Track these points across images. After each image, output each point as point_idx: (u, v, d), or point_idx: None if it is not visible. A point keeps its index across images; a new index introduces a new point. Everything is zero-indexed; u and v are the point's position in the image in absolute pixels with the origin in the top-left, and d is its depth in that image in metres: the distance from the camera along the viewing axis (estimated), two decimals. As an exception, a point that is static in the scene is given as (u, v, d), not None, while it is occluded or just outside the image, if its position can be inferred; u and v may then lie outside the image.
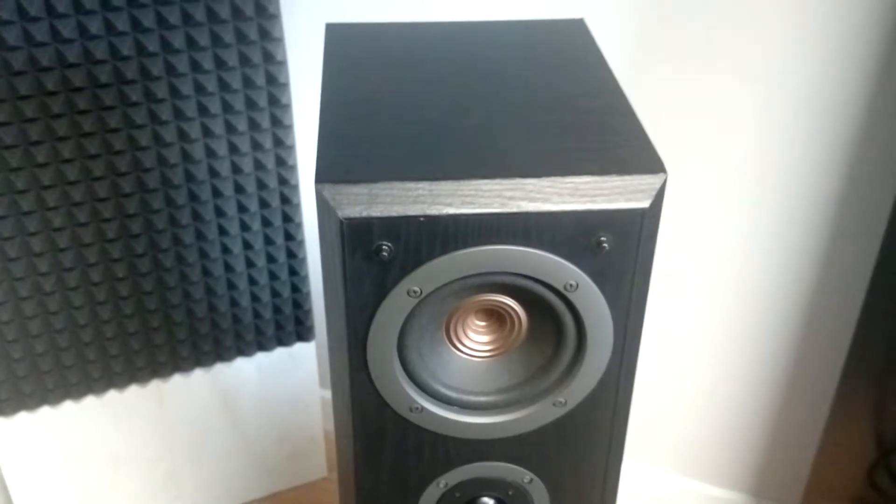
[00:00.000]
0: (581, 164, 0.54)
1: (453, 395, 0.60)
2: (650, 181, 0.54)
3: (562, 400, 0.61)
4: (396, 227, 0.52)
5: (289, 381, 1.36)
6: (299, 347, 1.33)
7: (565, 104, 0.63)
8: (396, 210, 0.52)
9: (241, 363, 1.30)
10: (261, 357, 1.31)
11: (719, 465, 1.36)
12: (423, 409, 0.60)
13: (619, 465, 0.66)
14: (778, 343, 1.20)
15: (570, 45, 0.72)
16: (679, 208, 1.15)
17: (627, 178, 0.54)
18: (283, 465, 1.44)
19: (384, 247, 0.52)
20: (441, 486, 0.64)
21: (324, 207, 0.52)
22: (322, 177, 0.52)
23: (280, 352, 1.31)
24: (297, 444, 1.44)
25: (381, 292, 0.54)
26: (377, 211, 0.51)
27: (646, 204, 0.54)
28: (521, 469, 0.64)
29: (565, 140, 0.58)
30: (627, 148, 0.57)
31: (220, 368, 1.29)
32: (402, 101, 0.63)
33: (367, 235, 0.52)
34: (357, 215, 0.51)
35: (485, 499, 0.65)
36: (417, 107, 0.62)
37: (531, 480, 0.65)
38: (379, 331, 0.56)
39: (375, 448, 0.62)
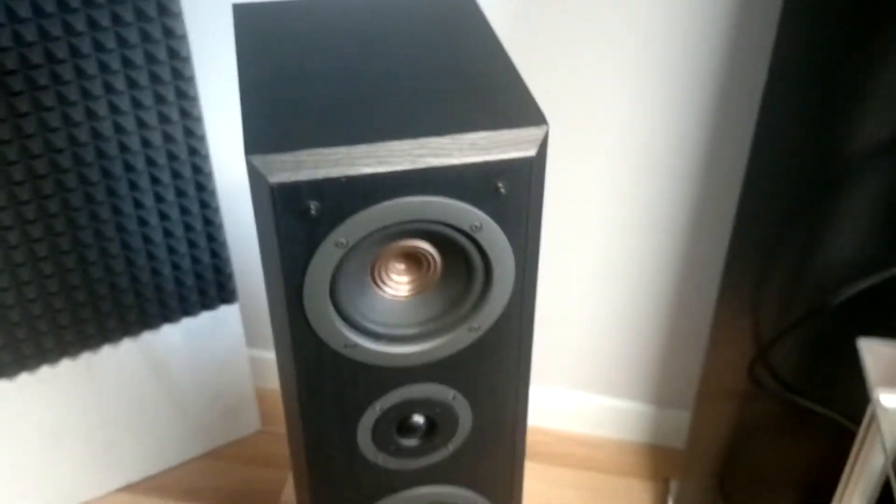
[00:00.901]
0: (476, 122, 0.63)
1: (381, 330, 0.69)
2: (535, 133, 0.63)
3: (475, 325, 0.70)
4: (321, 188, 0.60)
5: (216, 343, 1.42)
6: (224, 310, 1.39)
7: (459, 69, 0.71)
8: (320, 173, 0.59)
9: (167, 329, 1.35)
10: (187, 322, 1.36)
11: (619, 379, 1.51)
12: (356, 344, 0.68)
13: (527, 378, 0.77)
14: (662, 260, 1.34)
15: (461, 16, 0.80)
16: (573, 152, 1.25)
17: (516, 131, 0.63)
18: (218, 423, 1.51)
19: (312, 206, 0.60)
20: (377, 409, 0.73)
21: (255, 176, 0.59)
22: (251, 149, 0.60)
23: (205, 316, 1.37)
24: (229, 401, 1.50)
25: (312, 246, 0.62)
26: (303, 175, 0.59)
27: (532, 153, 0.63)
28: (446, 388, 0.74)
29: (462, 101, 0.66)
30: (514, 105, 0.66)
31: (148, 336, 1.34)
32: (315, 75, 0.70)
33: (295, 197, 0.60)
34: (286, 180, 0.59)
35: (416, 417, 0.75)
36: (329, 79, 0.69)
37: (454, 397, 0.74)
38: (312, 280, 0.64)
39: (316, 382, 0.70)
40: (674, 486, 1.38)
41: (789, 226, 1.07)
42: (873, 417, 0.89)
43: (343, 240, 0.62)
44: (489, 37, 0.76)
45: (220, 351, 1.44)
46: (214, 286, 1.35)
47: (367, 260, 0.66)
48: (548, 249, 1.37)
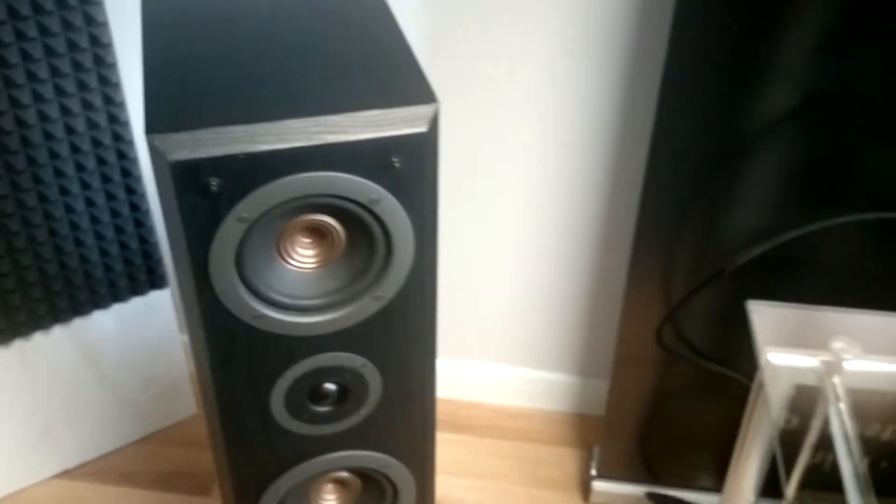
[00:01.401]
0: (370, 101, 0.67)
1: (289, 301, 0.73)
2: (426, 110, 0.67)
3: (379, 295, 0.74)
4: (220, 165, 0.63)
5: (148, 328, 1.44)
6: (155, 295, 1.41)
7: (357, 52, 0.75)
8: (219, 150, 0.62)
9: (98, 316, 1.37)
10: (118, 308, 1.38)
11: (546, 352, 1.56)
12: (264, 316, 0.72)
13: (434, 346, 0.81)
14: (579, 233, 1.39)
15: (364, 3, 0.83)
16: (487, 128, 1.30)
17: (407, 109, 0.67)
18: (153, 408, 1.53)
19: (212, 182, 0.63)
20: (289, 378, 0.77)
21: (156, 155, 0.62)
22: (151, 128, 0.62)
23: (136, 301, 1.39)
24: (164, 386, 1.52)
25: (215, 221, 0.65)
26: (203, 153, 0.62)
27: (424, 129, 0.67)
28: (355, 356, 0.77)
29: (357, 82, 0.70)
30: (407, 85, 0.70)
31: (79, 322, 1.36)
32: (217, 58, 0.73)
33: (195, 174, 0.63)
34: (185, 158, 0.62)
35: (327, 384, 0.79)
36: (231, 62, 0.72)
37: (364, 365, 0.78)
38: (217, 254, 0.67)
39: (227, 353, 0.73)
40: (596, 451, 1.44)
41: (693, 198, 1.13)
42: (761, 375, 0.95)
43: (245, 214, 0.66)
44: (388, 21, 0.80)
45: (153, 336, 1.46)
46: (144, 272, 1.36)
47: (271, 234, 0.70)
48: (468, 225, 1.42)
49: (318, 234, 0.72)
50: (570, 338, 1.52)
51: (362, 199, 0.68)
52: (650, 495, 1.41)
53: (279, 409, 0.79)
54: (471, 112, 1.29)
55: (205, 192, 0.63)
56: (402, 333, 0.78)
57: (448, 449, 1.55)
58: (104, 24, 1.16)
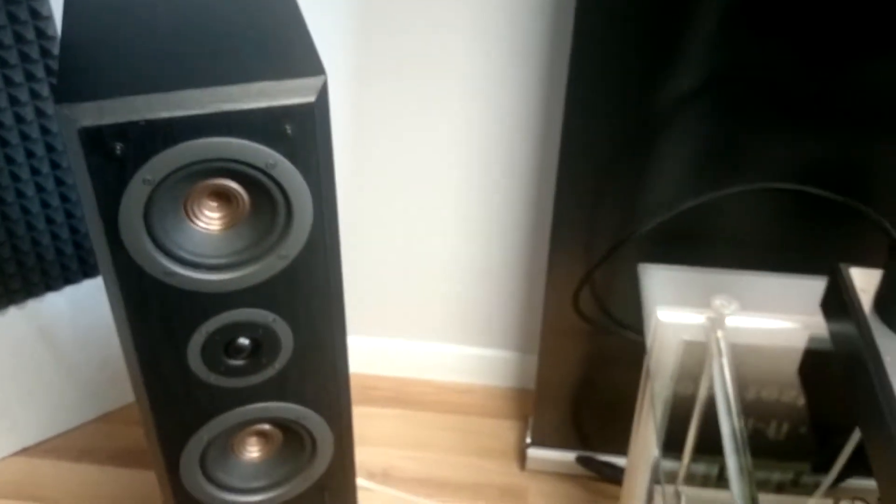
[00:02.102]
0: (263, 73, 0.74)
1: (198, 259, 0.79)
2: (314, 82, 0.74)
3: (284, 253, 0.81)
4: (123, 131, 0.70)
5: (102, 309, 1.50)
6: (106, 276, 1.47)
7: (255, 30, 0.82)
8: (122, 118, 0.69)
9: (52, 297, 1.43)
10: (70, 290, 1.44)
11: (488, 329, 1.63)
12: (175, 273, 0.79)
13: (341, 302, 0.88)
14: (505, 211, 1.47)
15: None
16: (411, 100, 1.37)
17: (297, 80, 0.74)
18: (109, 388, 1.59)
19: (117, 147, 0.70)
20: (203, 332, 0.84)
21: (66, 122, 0.69)
22: (60, 98, 0.69)
23: (88, 283, 1.45)
24: (118, 366, 1.59)
25: (122, 184, 0.72)
26: (107, 119, 0.69)
27: (312, 98, 0.74)
28: (265, 312, 0.84)
29: (252, 56, 0.78)
30: (298, 59, 0.77)
31: (33, 304, 1.42)
32: (126, 36, 0.80)
33: (100, 139, 0.70)
34: (91, 124, 0.69)
35: (240, 339, 0.85)
36: (138, 40, 0.80)
37: (274, 320, 0.85)
38: (126, 214, 0.74)
39: (143, 310, 0.80)
40: (531, 422, 1.51)
41: (605, 175, 1.20)
42: (652, 332, 1.02)
43: (149, 177, 0.73)
44: (289, 3, 0.88)
45: (107, 317, 1.52)
46: (93, 254, 1.43)
47: (178, 197, 0.77)
48: (403, 205, 1.49)
49: (224, 197, 0.79)
50: (508, 314, 1.60)
51: (259, 164, 0.75)
52: (580, 459, 1.48)
53: (196, 362, 0.85)
54: (397, 90, 1.36)
55: (110, 156, 0.70)
56: (308, 290, 0.85)
57: (392, 423, 1.62)
58: (49, 18, 1.23)
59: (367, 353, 1.68)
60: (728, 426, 0.90)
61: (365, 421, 1.62)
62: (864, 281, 0.84)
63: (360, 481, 1.49)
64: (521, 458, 1.54)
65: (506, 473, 1.53)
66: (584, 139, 1.18)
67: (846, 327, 0.82)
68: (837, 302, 0.86)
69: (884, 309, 0.81)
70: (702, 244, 1.19)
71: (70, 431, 1.58)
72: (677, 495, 1.23)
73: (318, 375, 0.91)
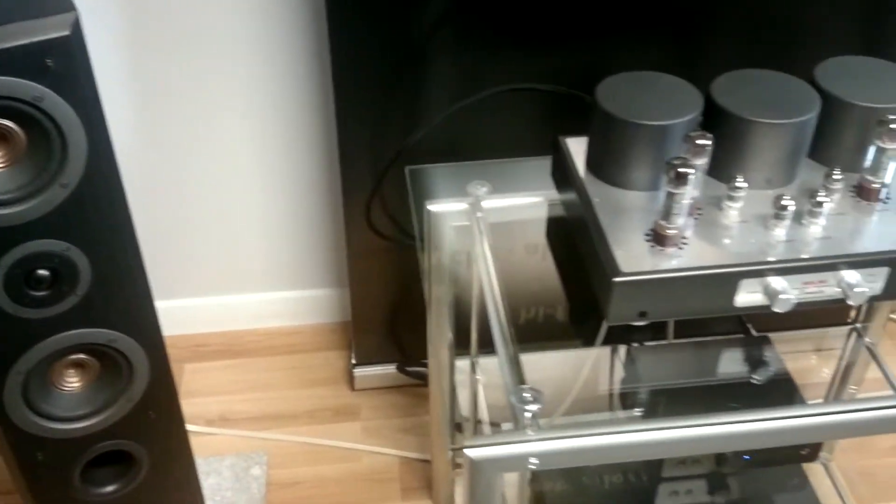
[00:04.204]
0: (18, 14, 0.82)
1: (-15, 196, 0.86)
2: (67, 17, 0.83)
3: (65, 182, 0.89)
4: None
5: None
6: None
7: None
8: None
9: None
10: None
11: (305, 271, 1.74)
12: (-35, 212, 0.85)
13: (130, 225, 0.97)
14: (302, 151, 1.58)
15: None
16: (199, 52, 1.46)
17: (52, 18, 0.82)
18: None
19: None
20: (3, 266, 0.90)
21: None
22: None
23: None
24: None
25: None
26: None
27: (67, 32, 0.83)
28: (58, 241, 0.92)
29: (6, 3, 0.85)
30: (49, 1, 0.86)
31: None
32: None
33: None
34: None
35: (40, 270, 0.93)
36: None
37: (68, 248, 0.93)
38: None
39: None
40: (353, 345, 1.64)
41: (380, 92, 1.33)
42: (427, 225, 1.16)
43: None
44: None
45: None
46: None
47: (-47, 139, 0.83)
48: (212, 163, 1.57)
49: (2, 137, 0.86)
50: (320, 253, 1.71)
51: (27, 98, 0.83)
52: (400, 368, 1.62)
53: (1, 296, 0.92)
54: (171, 37, 1.44)
55: None
56: (95, 217, 0.93)
57: (225, 373, 1.70)
58: None
59: (195, 313, 1.75)
60: (491, 301, 1.04)
61: (198, 375, 1.70)
62: (579, 147, 1.02)
63: (197, 427, 1.57)
64: (351, 380, 1.67)
65: (338, 396, 1.66)
66: (354, 65, 1.30)
67: (568, 187, 0.99)
68: (561, 169, 1.03)
69: (591, 163, 0.98)
70: (472, 143, 1.35)
71: None
72: (474, 386, 1.39)
73: (121, 299, 1.00)
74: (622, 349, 1.22)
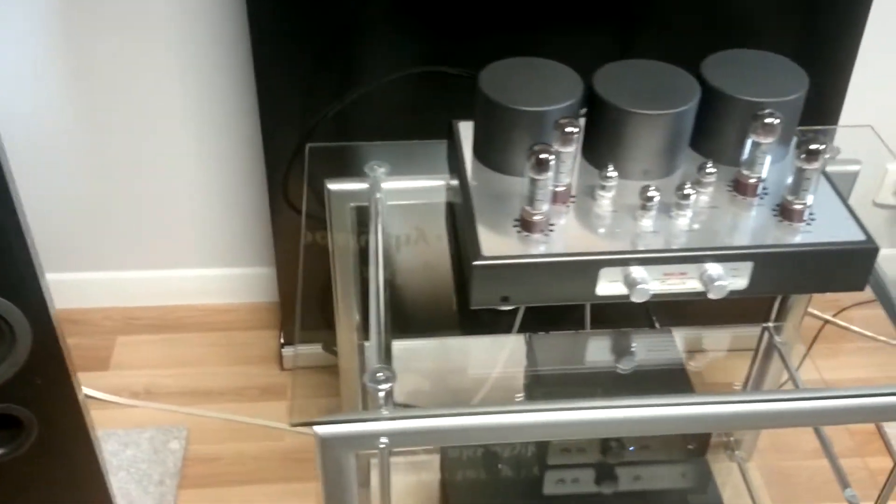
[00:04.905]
0: None
1: None
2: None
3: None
4: None
5: None
6: None
7: None
8: None
9: None
10: None
11: (242, 250, 1.74)
12: None
13: (8, 192, 0.97)
14: (228, 130, 1.57)
15: None
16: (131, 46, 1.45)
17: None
18: None
19: None
20: None
21: None
22: None
23: None
24: None
25: None
26: None
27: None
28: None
29: None
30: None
31: None
32: None
33: None
34: None
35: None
36: None
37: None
38: None
39: None
40: (282, 326, 1.64)
41: (299, 71, 1.33)
42: (328, 205, 1.16)
43: None
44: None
45: None
46: None
47: None
48: (147, 144, 1.57)
49: None
50: (256, 232, 1.71)
51: None
52: (326, 347, 1.62)
53: None
54: (117, 21, 1.44)
55: None
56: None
57: (155, 347, 1.71)
58: None
59: (129, 286, 1.76)
60: (374, 284, 1.03)
61: (128, 348, 1.70)
62: (469, 131, 1.01)
63: (120, 399, 1.58)
64: (280, 360, 1.67)
65: (266, 375, 1.66)
66: (274, 49, 1.30)
67: (454, 171, 0.99)
68: (451, 152, 1.02)
69: (476, 148, 0.98)
70: (388, 124, 1.34)
71: None
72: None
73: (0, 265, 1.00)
74: (521, 338, 1.22)
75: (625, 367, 1.15)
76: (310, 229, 1.49)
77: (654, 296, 0.85)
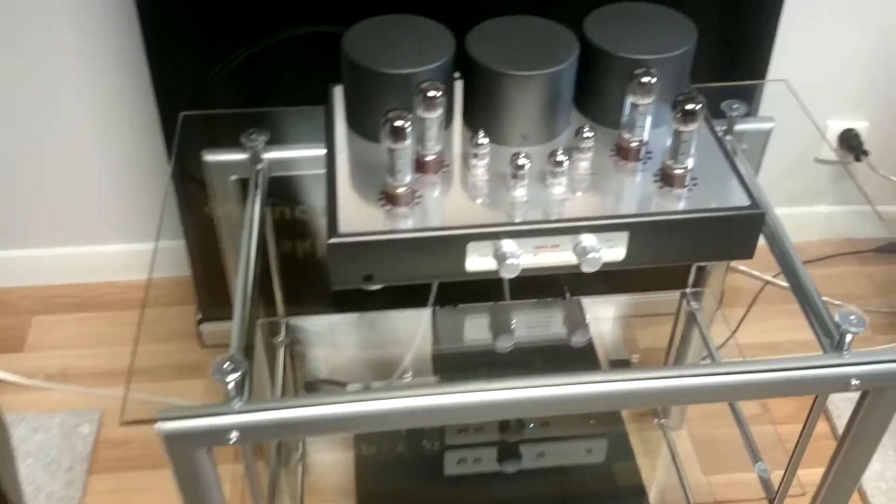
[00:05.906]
0: None
1: None
2: None
3: None
4: None
5: None
6: None
7: None
8: None
9: None
10: None
11: (155, 224, 1.68)
12: None
13: None
14: (124, 104, 1.50)
15: None
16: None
17: None
18: None
19: None
20: None
21: None
22: None
23: None
24: None
25: None
26: None
27: None
28: None
29: None
30: None
31: None
32: None
33: None
34: None
35: None
36: None
37: None
38: None
39: None
40: (197, 302, 1.58)
41: (194, 47, 1.26)
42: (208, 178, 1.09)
43: None
44: None
45: None
46: None
47: None
48: (35, 123, 1.50)
49: None
50: (167, 205, 1.64)
51: None
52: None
53: None
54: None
55: None
56: None
57: (74, 326, 1.65)
58: None
59: (46, 263, 1.70)
60: (244, 261, 0.97)
61: (45, 328, 1.64)
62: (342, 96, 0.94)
63: (32, 381, 1.53)
64: (200, 337, 1.61)
65: (185, 352, 1.61)
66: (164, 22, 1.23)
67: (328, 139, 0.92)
68: (329, 119, 0.96)
69: (348, 114, 0.91)
70: (278, 89, 1.28)
71: None
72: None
73: None
74: (426, 312, 1.16)
75: (509, 343, 1.10)
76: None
77: (525, 270, 0.80)
